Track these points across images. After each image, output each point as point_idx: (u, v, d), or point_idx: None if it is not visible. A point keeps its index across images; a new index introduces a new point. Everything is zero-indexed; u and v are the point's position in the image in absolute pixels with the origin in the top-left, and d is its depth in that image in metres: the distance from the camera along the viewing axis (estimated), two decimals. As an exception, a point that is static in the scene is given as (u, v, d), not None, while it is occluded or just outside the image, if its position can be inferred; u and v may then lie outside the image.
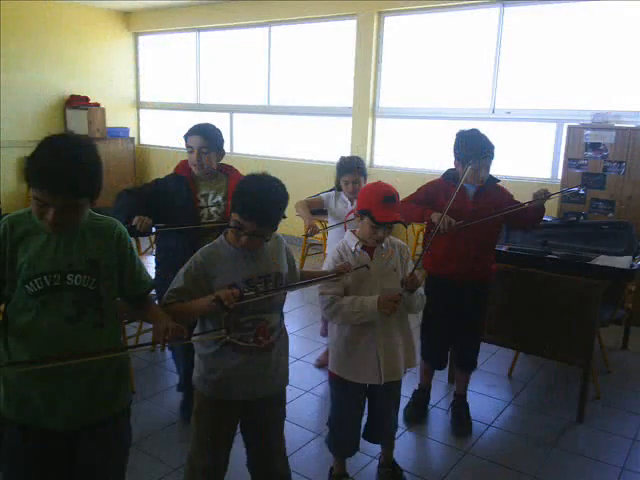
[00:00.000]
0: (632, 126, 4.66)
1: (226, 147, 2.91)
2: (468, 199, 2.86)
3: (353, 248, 2.28)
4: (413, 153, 6.30)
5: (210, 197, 2.81)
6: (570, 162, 4.90)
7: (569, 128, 4.92)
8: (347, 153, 6.24)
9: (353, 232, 2.33)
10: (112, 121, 8.30)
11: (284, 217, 1.96)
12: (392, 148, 6.50)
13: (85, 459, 1.70)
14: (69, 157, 1.49)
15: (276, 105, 7.36)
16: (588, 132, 4.77)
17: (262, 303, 1.89)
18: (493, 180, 2.95)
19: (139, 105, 8.99)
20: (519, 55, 5.54)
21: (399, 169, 6.30)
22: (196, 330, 2.00)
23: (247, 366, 1.93)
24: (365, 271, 2.19)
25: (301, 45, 7.06)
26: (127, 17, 8.59)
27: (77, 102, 7.93)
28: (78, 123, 7.91)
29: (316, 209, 3.51)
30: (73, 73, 8.06)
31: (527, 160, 5.59)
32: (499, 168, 3.38)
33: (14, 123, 7.48)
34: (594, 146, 4.75)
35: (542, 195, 2.82)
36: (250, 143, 7.74)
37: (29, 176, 1.50)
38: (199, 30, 7.99)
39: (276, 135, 7.45)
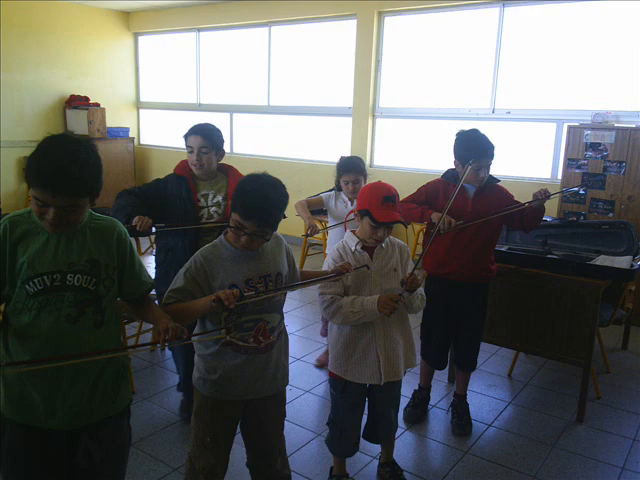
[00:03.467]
0: (632, 126, 4.66)
1: (226, 147, 2.91)
2: (468, 199, 2.86)
3: (353, 248, 2.28)
4: (413, 153, 6.30)
5: (210, 197, 2.80)
6: (570, 162, 4.90)
7: (569, 128, 4.92)
8: (347, 153, 6.26)
9: (353, 232, 2.33)
10: (112, 121, 8.29)
11: (284, 217, 1.96)
12: (392, 148, 6.50)
13: (85, 459, 1.70)
14: (69, 157, 1.49)
15: (276, 105, 7.35)
16: (588, 132, 4.78)
17: (262, 303, 1.89)
18: (493, 180, 2.94)
19: (139, 105, 8.99)
20: (519, 55, 5.54)
21: (399, 169, 6.30)
22: (196, 330, 2.01)
23: (247, 366, 1.93)
24: (365, 271, 2.19)
25: (301, 45, 7.06)
26: (127, 17, 8.59)
27: (77, 102, 7.92)
28: (78, 123, 7.91)
29: (316, 209, 3.52)
30: (73, 73, 8.05)
31: (527, 160, 5.59)
32: (499, 168, 3.39)
33: (14, 123, 7.48)
34: (594, 146, 4.75)
35: (542, 195, 2.82)
36: (250, 143, 7.74)
37: (29, 176, 1.50)
38: (199, 30, 7.98)
39: (276, 135, 7.45)
